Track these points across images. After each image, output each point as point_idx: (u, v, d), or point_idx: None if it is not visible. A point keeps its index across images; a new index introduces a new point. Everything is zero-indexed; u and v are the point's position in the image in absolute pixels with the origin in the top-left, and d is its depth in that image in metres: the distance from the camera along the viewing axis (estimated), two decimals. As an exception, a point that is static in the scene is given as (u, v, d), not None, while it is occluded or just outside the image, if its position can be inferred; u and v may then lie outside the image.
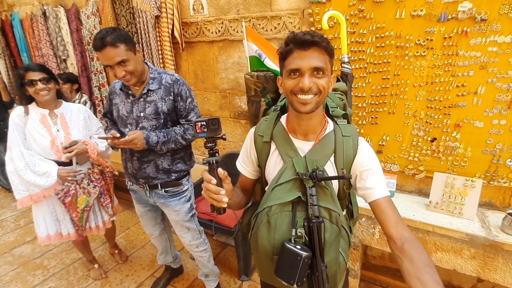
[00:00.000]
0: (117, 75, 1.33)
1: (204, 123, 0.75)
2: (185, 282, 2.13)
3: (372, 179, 0.84)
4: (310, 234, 0.78)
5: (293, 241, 0.79)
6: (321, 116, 0.89)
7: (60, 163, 1.70)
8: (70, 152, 1.66)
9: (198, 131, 0.75)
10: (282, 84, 0.85)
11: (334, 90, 1.03)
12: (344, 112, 0.93)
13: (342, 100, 1.01)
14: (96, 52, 1.33)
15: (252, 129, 0.98)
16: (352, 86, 1.41)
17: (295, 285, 0.77)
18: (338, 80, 1.12)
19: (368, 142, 1.31)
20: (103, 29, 1.32)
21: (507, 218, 1.46)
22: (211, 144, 0.77)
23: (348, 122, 0.94)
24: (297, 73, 0.77)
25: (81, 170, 1.76)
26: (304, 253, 0.75)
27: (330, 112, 0.93)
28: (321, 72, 0.77)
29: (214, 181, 0.75)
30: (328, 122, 0.91)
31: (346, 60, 1.21)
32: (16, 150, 1.63)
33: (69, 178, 1.68)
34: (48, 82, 1.62)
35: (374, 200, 0.83)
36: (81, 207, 1.74)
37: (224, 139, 0.79)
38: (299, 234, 0.79)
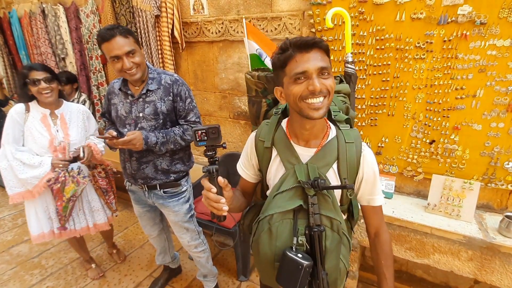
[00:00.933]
0: (124, 65, 1.31)
1: (204, 131, 0.74)
2: (183, 283, 2.13)
3: (373, 190, 0.89)
4: (311, 242, 0.78)
5: (294, 249, 0.79)
6: (323, 121, 0.87)
7: None
8: (89, 161, 1.75)
9: (198, 139, 0.75)
10: (285, 92, 0.81)
11: (337, 92, 1.01)
12: (347, 117, 0.91)
13: (345, 103, 1.00)
14: (102, 44, 1.31)
15: (253, 134, 0.97)
16: (356, 87, 1.37)
17: None
18: (341, 81, 1.10)
19: (367, 144, 1.31)
20: (108, 25, 1.33)
21: (505, 221, 1.47)
22: (211, 153, 0.77)
23: (351, 126, 0.93)
24: (303, 77, 0.75)
25: (70, 163, 1.74)
26: (305, 262, 0.75)
27: (333, 117, 0.91)
28: (326, 73, 0.75)
29: (214, 189, 0.75)
30: (330, 127, 0.89)
31: (350, 59, 1.17)
32: (9, 148, 1.64)
33: (60, 165, 1.67)
34: (51, 82, 1.64)
35: (369, 205, 0.92)
36: (67, 195, 1.72)
37: (224, 148, 0.77)
38: (300, 242, 0.80)
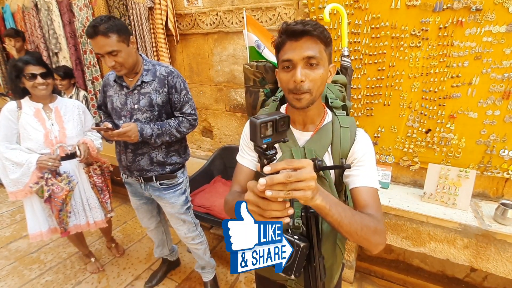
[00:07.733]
0: (106, 64, 1.34)
1: (271, 123, 0.52)
2: (182, 275, 2.14)
3: (360, 169, 0.81)
4: (307, 225, 0.78)
5: (290, 232, 0.78)
6: (320, 107, 0.88)
7: None
8: (86, 159, 1.75)
9: (261, 136, 0.53)
10: (278, 76, 0.83)
11: (334, 82, 1.03)
12: (343, 103, 0.92)
13: (342, 92, 1.01)
14: (89, 40, 1.34)
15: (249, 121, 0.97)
16: (352, 79, 1.41)
17: (292, 276, 0.76)
18: (337, 73, 1.11)
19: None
20: (98, 17, 1.31)
21: (500, 208, 1.47)
22: (271, 153, 0.54)
23: (347, 114, 0.93)
24: (291, 66, 0.75)
25: (60, 159, 1.70)
26: (301, 243, 0.74)
27: (330, 103, 0.92)
28: (314, 63, 0.74)
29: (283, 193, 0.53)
30: (327, 112, 0.90)
31: (346, 53, 1.20)
32: (2, 146, 1.62)
33: (49, 164, 1.61)
34: (47, 77, 1.62)
35: (354, 187, 0.78)
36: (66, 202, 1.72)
37: (286, 142, 0.58)
38: (296, 224, 0.79)
